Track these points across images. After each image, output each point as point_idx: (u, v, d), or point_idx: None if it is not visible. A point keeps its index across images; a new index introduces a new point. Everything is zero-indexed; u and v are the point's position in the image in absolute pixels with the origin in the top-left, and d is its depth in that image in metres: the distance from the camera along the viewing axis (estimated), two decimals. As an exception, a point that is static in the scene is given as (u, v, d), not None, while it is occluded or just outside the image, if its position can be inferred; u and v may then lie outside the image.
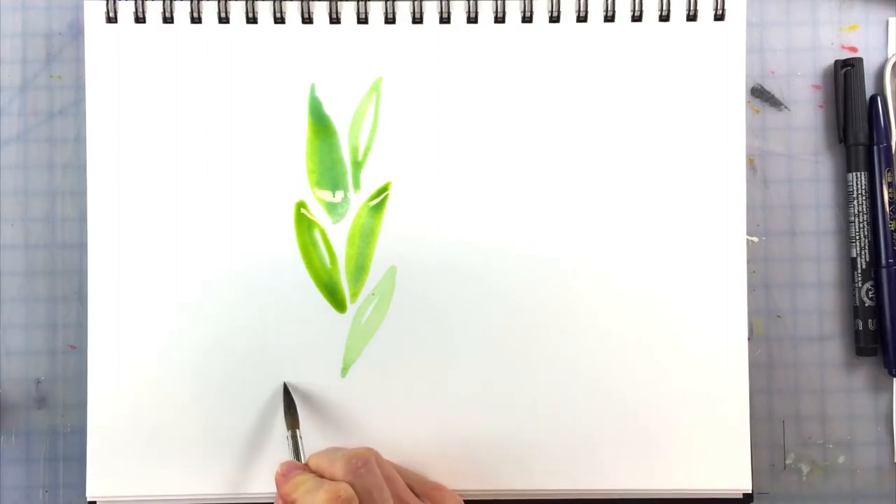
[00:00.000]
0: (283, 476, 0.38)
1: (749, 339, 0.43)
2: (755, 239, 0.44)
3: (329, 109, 0.43)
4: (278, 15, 0.43)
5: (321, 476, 0.37)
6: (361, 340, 0.43)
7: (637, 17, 0.43)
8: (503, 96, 0.43)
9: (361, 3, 0.43)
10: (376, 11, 0.43)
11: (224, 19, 0.43)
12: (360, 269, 0.43)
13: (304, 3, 0.43)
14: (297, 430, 0.41)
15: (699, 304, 0.43)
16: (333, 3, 0.43)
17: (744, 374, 0.43)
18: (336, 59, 0.43)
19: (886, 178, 0.43)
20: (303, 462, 0.39)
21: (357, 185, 0.43)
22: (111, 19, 0.43)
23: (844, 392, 0.44)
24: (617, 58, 0.43)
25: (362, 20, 0.43)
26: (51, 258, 0.44)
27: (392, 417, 0.43)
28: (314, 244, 0.43)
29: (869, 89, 0.44)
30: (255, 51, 0.43)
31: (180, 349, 0.43)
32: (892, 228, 0.43)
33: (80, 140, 0.44)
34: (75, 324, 0.44)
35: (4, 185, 0.44)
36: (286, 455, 0.41)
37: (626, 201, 0.43)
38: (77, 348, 0.44)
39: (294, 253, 0.43)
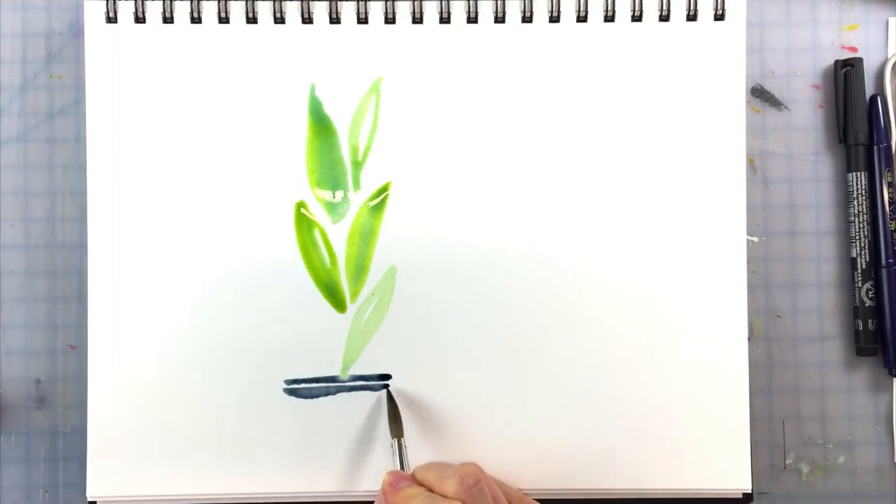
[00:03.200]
0: (392, 486, 0.38)
1: (749, 339, 0.43)
2: (755, 239, 0.44)
3: (329, 109, 0.43)
4: (278, 15, 0.43)
5: (430, 491, 0.37)
6: (361, 340, 0.43)
7: (637, 17, 0.43)
8: (503, 96, 0.43)
9: (361, 3, 0.43)
10: (376, 11, 0.43)
11: (224, 19, 0.43)
12: (360, 269, 0.43)
13: (304, 3, 0.43)
14: (402, 439, 0.40)
15: (699, 304, 0.43)
16: (333, 3, 0.43)
17: (744, 374, 0.43)
18: (336, 59, 0.43)
19: (886, 178, 0.43)
20: (408, 472, 0.39)
21: (357, 185, 0.43)
22: (111, 19, 0.43)
23: (844, 392, 0.44)
24: (617, 58, 0.43)
25: (362, 20, 0.43)
26: (51, 258, 0.44)
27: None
28: (314, 244, 0.43)
29: (869, 89, 0.44)
30: (255, 51, 0.43)
31: (180, 349, 0.43)
32: (892, 228, 0.43)
33: (80, 140, 0.44)
34: (75, 324, 0.44)
35: (4, 185, 0.44)
36: (286, 455, 0.41)
37: (627, 201, 0.43)
38: (77, 348, 0.44)
39: (294, 253, 0.43)
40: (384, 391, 0.42)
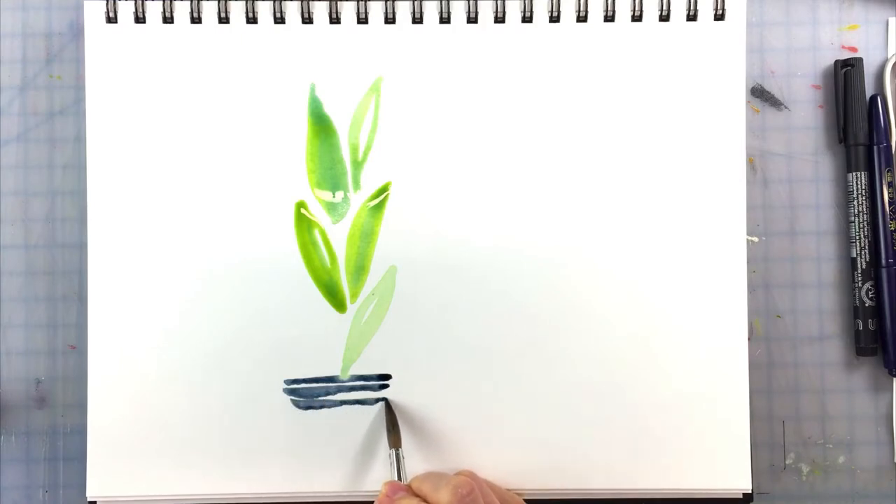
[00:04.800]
0: (388, 497, 0.38)
1: (749, 339, 0.43)
2: (755, 239, 0.44)
3: (329, 109, 0.43)
4: (278, 15, 0.43)
5: (425, 501, 0.38)
6: (361, 340, 0.43)
7: (637, 17, 0.43)
8: (503, 96, 0.43)
9: (361, 3, 0.43)
10: (376, 11, 0.43)
11: (224, 19, 0.43)
12: (360, 269, 0.43)
13: (304, 3, 0.43)
14: (400, 450, 0.41)
15: (699, 304, 0.43)
16: (333, 3, 0.43)
17: (744, 374, 0.43)
18: (336, 59, 0.43)
19: (886, 178, 0.43)
20: (405, 482, 0.40)
21: (357, 185, 0.43)
22: (111, 19, 0.43)
23: (844, 392, 0.44)
24: (617, 58, 0.43)
25: (362, 20, 0.43)
26: (51, 258, 0.44)
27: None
28: (314, 244, 0.43)
29: (869, 89, 0.44)
30: (255, 51, 0.43)
31: (180, 349, 0.43)
32: (892, 228, 0.43)
33: (80, 140, 0.44)
34: (75, 324, 0.44)
35: (4, 185, 0.44)
36: (286, 455, 0.41)
37: (627, 201, 0.43)
38: (77, 348, 0.44)
39: (294, 253, 0.43)
40: (383, 401, 0.42)
